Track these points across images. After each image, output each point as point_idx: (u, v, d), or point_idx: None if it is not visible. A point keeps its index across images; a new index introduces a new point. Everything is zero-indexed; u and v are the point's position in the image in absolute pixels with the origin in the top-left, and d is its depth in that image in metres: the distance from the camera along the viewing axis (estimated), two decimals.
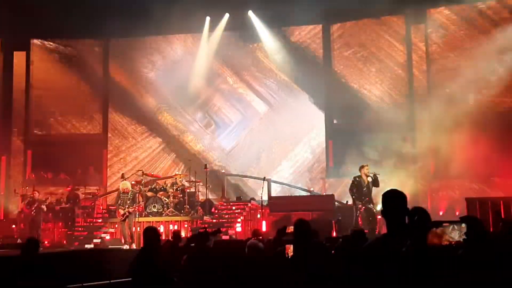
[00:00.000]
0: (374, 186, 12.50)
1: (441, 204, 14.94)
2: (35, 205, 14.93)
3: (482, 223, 4.52)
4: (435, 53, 16.57)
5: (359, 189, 12.58)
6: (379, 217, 12.37)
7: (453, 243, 3.03)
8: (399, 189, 3.49)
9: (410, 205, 3.44)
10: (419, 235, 3.11)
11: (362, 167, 12.75)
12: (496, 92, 15.56)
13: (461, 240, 3.04)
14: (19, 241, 13.80)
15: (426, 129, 16.27)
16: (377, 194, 12.72)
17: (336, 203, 14.31)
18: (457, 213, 13.29)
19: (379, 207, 13.05)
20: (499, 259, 3.29)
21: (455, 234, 3.07)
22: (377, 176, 12.55)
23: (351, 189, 12.74)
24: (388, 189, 3.41)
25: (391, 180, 14.10)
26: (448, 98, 16.11)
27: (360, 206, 12.48)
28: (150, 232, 6.17)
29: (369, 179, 12.51)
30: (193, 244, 6.50)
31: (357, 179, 12.63)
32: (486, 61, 15.65)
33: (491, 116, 15.21)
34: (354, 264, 3.96)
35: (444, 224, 3.10)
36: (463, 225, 3.02)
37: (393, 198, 3.33)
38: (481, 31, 15.91)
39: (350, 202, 13.96)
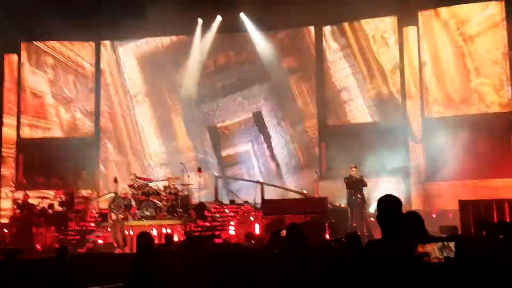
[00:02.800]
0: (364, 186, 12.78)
1: (434, 207, 14.95)
2: (26, 209, 14.81)
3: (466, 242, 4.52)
4: (428, 54, 16.59)
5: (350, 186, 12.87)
6: (372, 219, 12.41)
7: (442, 260, 3.00)
8: (392, 192, 3.48)
9: (403, 209, 3.42)
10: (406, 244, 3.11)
11: (350, 167, 13.09)
12: (490, 93, 15.62)
13: (446, 256, 3.02)
14: (11, 246, 13.68)
15: (419, 131, 16.32)
16: (372, 198, 12.76)
17: (329, 205, 14.28)
18: (450, 216, 13.30)
19: (372, 208, 13.08)
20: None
21: (440, 252, 3.04)
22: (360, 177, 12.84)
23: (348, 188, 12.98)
24: (383, 194, 3.39)
25: (384, 182, 14.13)
26: (441, 100, 16.16)
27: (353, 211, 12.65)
28: (144, 238, 6.13)
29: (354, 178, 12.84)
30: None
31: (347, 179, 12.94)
32: (479, 62, 15.71)
33: (485, 118, 15.26)
34: (349, 269, 3.94)
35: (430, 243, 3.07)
36: (451, 244, 2.99)
37: (388, 203, 3.32)
38: (473, 32, 15.97)
39: (343, 205, 13.97)
